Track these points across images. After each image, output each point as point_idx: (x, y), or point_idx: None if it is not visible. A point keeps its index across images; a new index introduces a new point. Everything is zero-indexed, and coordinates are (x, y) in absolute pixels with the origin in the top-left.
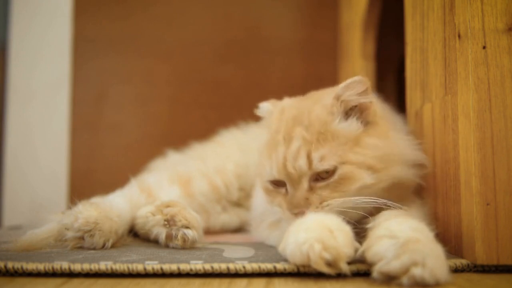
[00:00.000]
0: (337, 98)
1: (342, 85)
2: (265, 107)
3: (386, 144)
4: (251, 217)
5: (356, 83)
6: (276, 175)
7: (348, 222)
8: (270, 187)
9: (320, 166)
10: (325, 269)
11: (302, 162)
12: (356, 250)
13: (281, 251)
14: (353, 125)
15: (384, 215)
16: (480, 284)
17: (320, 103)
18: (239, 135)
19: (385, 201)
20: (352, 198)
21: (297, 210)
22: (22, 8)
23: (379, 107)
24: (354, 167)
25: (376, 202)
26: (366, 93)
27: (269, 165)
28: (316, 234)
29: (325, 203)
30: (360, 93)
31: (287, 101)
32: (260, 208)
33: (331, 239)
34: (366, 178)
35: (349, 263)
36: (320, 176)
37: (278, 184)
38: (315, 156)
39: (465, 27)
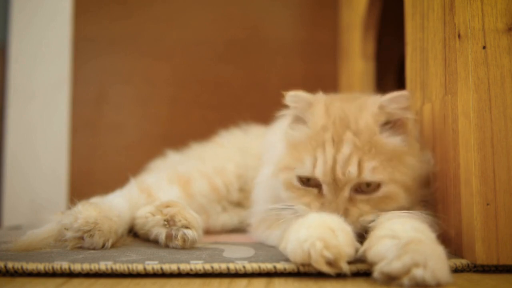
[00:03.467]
0: (381, 108)
1: (388, 96)
2: (302, 97)
3: (420, 166)
4: (251, 215)
5: (402, 97)
6: (321, 176)
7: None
8: (298, 184)
9: (371, 176)
10: (325, 268)
11: (353, 169)
12: (357, 250)
13: (282, 250)
14: (397, 141)
15: (386, 216)
16: (480, 284)
17: (366, 110)
18: (240, 136)
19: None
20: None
21: None
22: (22, 8)
23: (414, 127)
24: (397, 187)
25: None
26: (408, 109)
27: (311, 162)
28: (318, 232)
29: (361, 219)
30: (403, 108)
31: (326, 98)
32: (261, 204)
33: (333, 238)
34: (404, 198)
35: (349, 263)
36: (361, 188)
37: (310, 184)
38: (368, 165)
39: (465, 27)
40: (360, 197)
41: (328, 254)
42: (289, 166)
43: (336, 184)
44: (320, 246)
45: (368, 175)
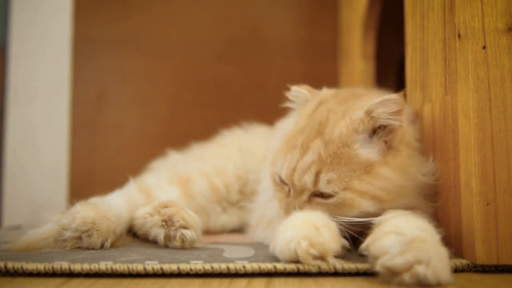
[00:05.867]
0: (368, 113)
1: (376, 100)
2: (301, 93)
3: (401, 178)
4: (250, 216)
5: (391, 102)
6: (284, 178)
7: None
8: (278, 180)
9: (325, 188)
10: (313, 264)
11: (309, 179)
12: (342, 246)
13: (271, 251)
14: (372, 152)
15: (391, 213)
16: (480, 284)
17: (349, 116)
18: (241, 136)
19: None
20: (345, 219)
21: (290, 215)
22: (22, 8)
23: (406, 132)
24: (355, 195)
25: (371, 221)
26: (398, 114)
27: (281, 164)
28: (303, 231)
29: None
30: (392, 113)
31: (325, 96)
32: (263, 196)
33: (317, 235)
34: (366, 206)
35: (347, 261)
36: (322, 194)
37: (284, 182)
38: (323, 178)
39: (465, 27)
40: (318, 200)
41: (314, 252)
42: (273, 162)
43: (296, 189)
44: (305, 245)
45: (323, 187)
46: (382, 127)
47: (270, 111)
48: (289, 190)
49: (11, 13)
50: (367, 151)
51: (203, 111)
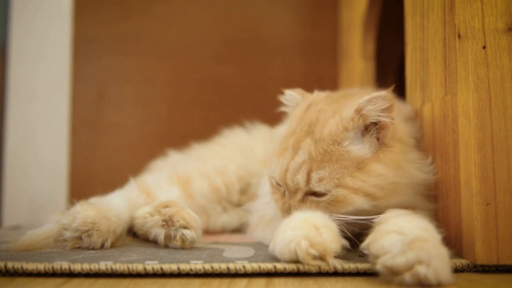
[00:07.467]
0: (358, 111)
1: (365, 97)
2: (293, 97)
3: (394, 174)
4: (250, 215)
5: (380, 99)
6: (277, 179)
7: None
8: (274, 182)
9: (317, 187)
10: (313, 264)
11: (301, 179)
12: (343, 247)
13: (271, 251)
14: (363, 149)
15: (392, 213)
16: (480, 284)
17: (339, 114)
18: (243, 136)
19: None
20: (340, 216)
21: (287, 215)
22: (22, 8)
23: (399, 127)
24: (348, 192)
25: (371, 219)
26: (388, 110)
27: (275, 166)
28: (303, 231)
29: None
30: (382, 110)
31: (315, 98)
32: (262, 198)
33: (317, 236)
34: (360, 203)
35: (347, 261)
36: (315, 192)
37: (279, 184)
38: (314, 176)
39: (465, 27)
40: (312, 198)
41: (313, 252)
42: (269, 165)
43: (289, 189)
44: (305, 245)
45: (315, 186)
46: (373, 124)
47: (270, 111)
48: (285, 191)
49: (11, 13)
50: (358, 148)
51: (203, 111)
